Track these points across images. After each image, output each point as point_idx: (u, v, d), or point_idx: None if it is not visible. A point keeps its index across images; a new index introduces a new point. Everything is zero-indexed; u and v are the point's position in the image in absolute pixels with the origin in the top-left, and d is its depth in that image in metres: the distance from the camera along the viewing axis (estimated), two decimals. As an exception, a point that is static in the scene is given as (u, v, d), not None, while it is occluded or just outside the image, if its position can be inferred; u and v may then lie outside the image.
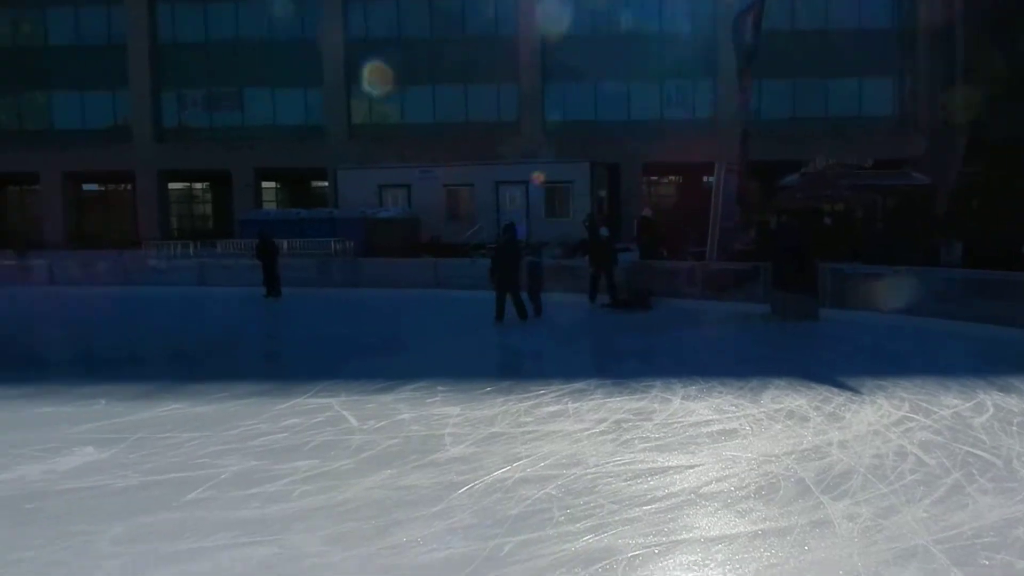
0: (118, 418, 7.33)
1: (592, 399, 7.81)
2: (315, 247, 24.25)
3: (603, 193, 30.41)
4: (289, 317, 16.96)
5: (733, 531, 4.56)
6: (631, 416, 7.14)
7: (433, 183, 28.99)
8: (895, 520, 4.66)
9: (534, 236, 25.99)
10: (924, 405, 7.38)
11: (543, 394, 8.01)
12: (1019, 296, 12.10)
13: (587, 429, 6.74)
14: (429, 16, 35.18)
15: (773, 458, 5.87)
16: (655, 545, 4.36)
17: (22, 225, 38.90)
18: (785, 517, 4.73)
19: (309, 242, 24.41)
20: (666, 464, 5.77)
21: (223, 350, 12.48)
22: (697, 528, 4.61)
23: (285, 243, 22.39)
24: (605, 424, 6.88)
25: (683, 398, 7.79)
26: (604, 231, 16.74)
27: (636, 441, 6.37)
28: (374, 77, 33.36)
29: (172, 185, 38.57)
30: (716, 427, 6.77)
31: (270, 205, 38.44)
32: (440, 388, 8.36)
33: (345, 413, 7.38)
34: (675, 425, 6.84)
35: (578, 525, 4.62)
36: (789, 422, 6.89)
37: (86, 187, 39.37)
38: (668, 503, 4.98)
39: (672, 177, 39.35)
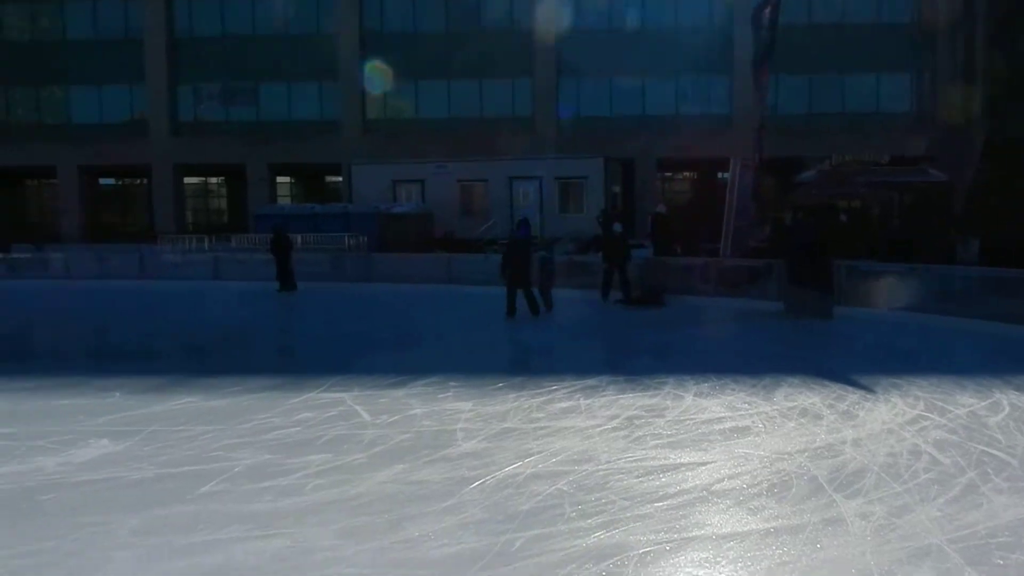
0: (133, 411, 7.40)
1: (604, 395, 7.80)
2: (329, 242, 24.30)
3: (617, 189, 30.33)
4: (302, 312, 17.03)
5: (745, 528, 4.55)
6: (643, 413, 7.13)
7: (447, 178, 28.99)
8: (909, 519, 4.64)
9: (547, 232, 25.99)
10: (939, 404, 7.33)
11: (555, 390, 8.01)
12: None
13: (599, 425, 6.74)
14: (444, 10, 35.17)
15: (786, 456, 5.85)
16: (666, 542, 4.36)
17: (40, 218, 39.25)
18: (797, 515, 4.71)
19: (323, 237, 24.46)
20: (678, 461, 5.76)
21: (237, 344, 12.56)
22: (709, 525, 4.60)
23: (299, 238, 22.46)
24: (617, 420, 6.88)
25: (696, 395, 7.77)
26: (618, 227, 16.71)
27: (648, 438, 6.36)
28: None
29: (188, 179, 38.78)
30: (728, 424, 6.75)
31: (285, 200, 38.56)
32: (452, 383, 8.37)
33: (358, 408, 7.41)
34: (687, 422, 6.83)
35: (589, 521, 4.62)
36: (802, 420, 6.86)
37: (103, 181, 39.65)
38: (680, 500, 4.98)
39: (687, 173, 39.19)
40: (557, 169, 28.66)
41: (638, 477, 5.40)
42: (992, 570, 4.03)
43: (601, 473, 5.48)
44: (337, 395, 7.92)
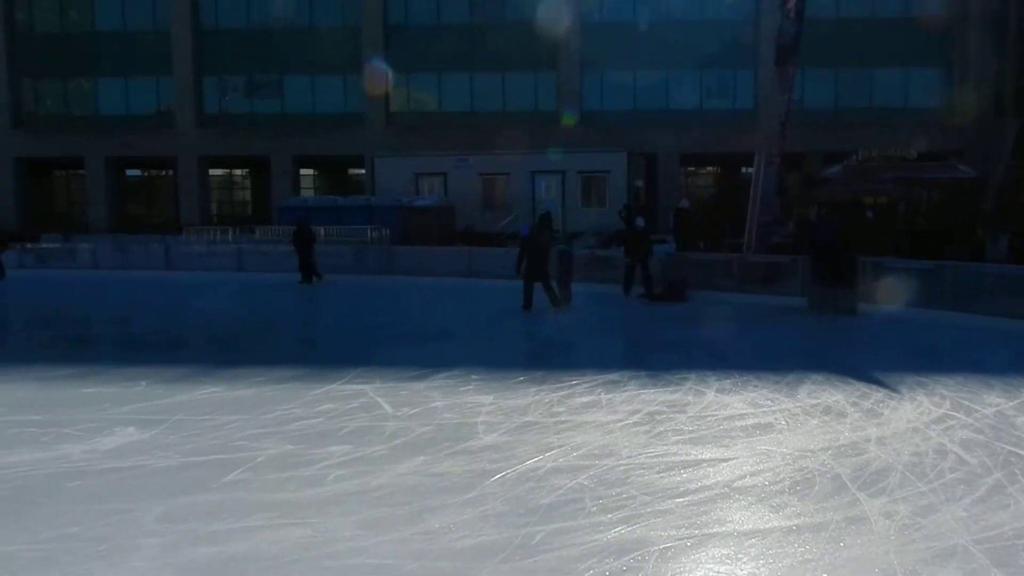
0: (159, 400, 7.49)
1: (625, 390, 7.78)
2: (352, 234, 24.42)
3: (640, 183, 30.19)
4: (325, 304, 17.14)
5: (767, 526, 4.53)
6: (665, 408, 7.11)
7: (469, 172, 28.99)
8: (934, 519, 4.59)
9: (569, 226, 25.93)
10: (966, 403, 7.23)
11: (576, 384, 8.00)
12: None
13: (620, 420, 6.73)
14: (468, 3, 35.13)
15: (809, 453, 5.80)
16: (687, 538, 4.34)
17: (68, 209, 39.77)
18: (820, 513, 4.68)
19: (346, 229, 24.58)
20: (699, 457, 5.73)
21: (260, 335, 12.67)
22: (730, 522, 4.58)
23: (322, 230, 22.58)
24: (638, 416, 6.86)
25: (717, 391, 7.73)
26: (640, 222, 16.63)
27: (669, 433, 6.34)
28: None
29: (212, 171, 39.09)
30: (751, 421, 6.71)
31: (308, 192, 38.78)
32: (473, 377, 8.39)
33: (379, 400, 7.45)
34: (709, 418, 6.79)
35: (610, 516, 4.61)
36: (826, 418, 6.81)
37: (129, 172, 40.08)
38: (701, 496, 4.96)
39: (710, 168, 38.92)
40: (580, 163, 28.57)
41: (659, 473, 5.38)
42: (1019, 571, 3.97)
43: (622, 468, 5.47)
44: (359, 387, 7.97)
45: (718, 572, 4.00)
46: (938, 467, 5.47)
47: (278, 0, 35.18)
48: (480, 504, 4.82)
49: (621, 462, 5.60)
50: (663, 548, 4.20)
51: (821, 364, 9.09)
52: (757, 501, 4.89)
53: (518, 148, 29.11)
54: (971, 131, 30.02)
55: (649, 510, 4.71)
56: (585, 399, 7.48)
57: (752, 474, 5.38)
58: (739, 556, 4.14)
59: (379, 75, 33.11)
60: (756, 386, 7.94)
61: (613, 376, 8.35)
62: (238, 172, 41.36)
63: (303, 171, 38.68)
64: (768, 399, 7.45)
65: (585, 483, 5.16)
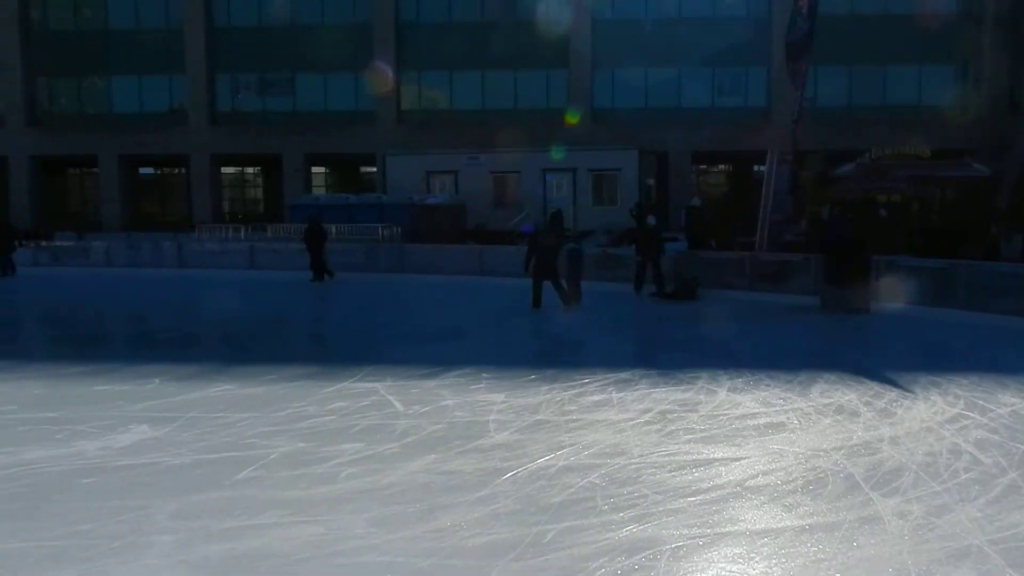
0: (172, 397, 7.53)
1: (637, 389, 7.77)
2: (363, 232, 24.49)
3: (651, 181, 30.10)
4: (336, 302, 17.18)
5: (779, 525, 4.51)
6: (676, 407, 7.09)
7: (480, 170, 29.00)
8: (948, 519, 4.56)
9: (580, 224, 25.89)
10: (980, 402, 7.18)
11: (587, 383, 7.99)
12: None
13: (631, 419, 6.72)
14: (479, 1, 35.13)
15: (821, 453, 5.78)
16: (699, 537, 4.33)
17: (81, 207, 40.02)
18: (833, 512, 4.66)
19: (357, 227, 24.65)
20: (711, 456, 5.72)
21: (272, 333, 12.72)
22: (742, 521, 4.57)
23: (333, 228, 22.64)
24: (650, 414, 6.85)
25: (729, 390, 7.71)
26: (651, 220, 16.59)
27: (681, 432, 6.32)
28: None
29: (224, 169, 39.26)
30: (763, 420, 6.69)
31: (320, 190, 38.88)
32: (484, 375, 8.39)
33: (390, 398, 7.46)
34: (721, 417, 6.77)
35: (622, 515, 4.60)
36: (839, 417, 6.77)
37: (142, 171, 40.29)
38: (713, 495, 4.94)
39: (722, 166, 38.79)
40: (591, 161, 28.52)
41: (671, 471, 5.37)
42: (1034, 573, 3.94)
43: (633, 467, 5.46)
44: (370, 385, 7.98)
45: (730, 571, 3.98)
46: (952, 467, 5.44)
47: (290, -2, 35.30)
48: (491, 502, 4.82)
49: (632, 461, 5.59)
50: (675, 547, 4.19)
51: (834, 363, 9.05)
52: (769, 500, 4.87)
53: (529, 146, 29.11)
54: (985, 129, 29.80)
55: (661, 509, 4.70)
56: (596, 398, 7.47)
57: (764, 473, 5.36)
58: (751, 555, 4.13)
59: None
60: (768, 385, 7.91)
61: (624, 375, 8.34)
62: (250, 170, 41.50)
63: (315, 169, 38.78)
64: (780, 398, 7.42)
65: (596, 482, 5.16)
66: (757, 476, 5.30)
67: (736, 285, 16.08)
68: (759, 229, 17.19)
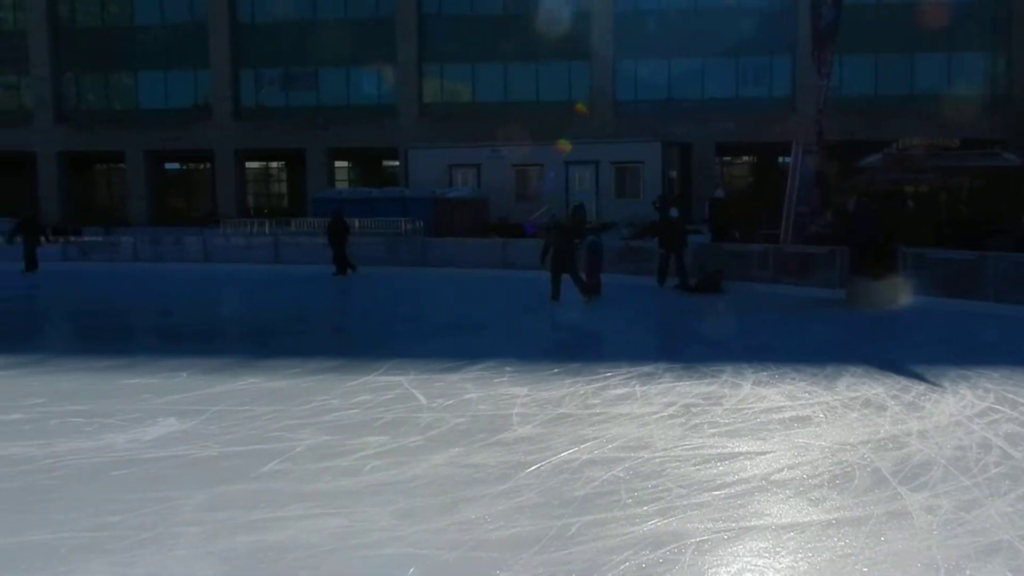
0: (198, 391, 7.61)
1: (660, 382, 7.74)
2: (386, 226, 24.56)
3: (674, 174, 29.92)
4: (359, 296, 17.27)
5: (805, 519, 4.47)
6: (700, 400, 7.05)
7: (502, 163, 28.98)
8: (977, 514, 4.50)
9: (603, 217, 25.81)
10: (1011, 396, 7.07)
11: (611, 376, 7.97)
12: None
13: (655, 413, 6.69)
14: (502, -8, 35.11)
15: (848, 447, 5.72)
16: (724, 531, 4.31)
17: (109, 203, 40.53)
18: (860, 507, 4.61)
19: (380, 221, 24.73)
20: (736, 450, 5.68)
21: (296, 327, 12.81)
22: (768, 515, 4.54)
23: (356, 222, 22.74)
24: (673, 408, 6.82)
25: (754, 384, 7.65)
26: (675, 212, 16.50)
27: (705, 426, 6.29)
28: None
29: (249, 164, 39.57)
30: (788, 414, 6.63)
31: (342, 184, 39.09)
32: (508, 368, 8.40)
33: (414, 391, 7.49)
34: (746, 411, 6.73)
35: (646, 508, 4.59)
36: (865, 411, 6.70)
37: (168, 166, 40.71)
38: (738, 489, 4.91)
39: (746, 157, 38.47)
40: (613, 154, 28.40)
41: (695, 465, 5.34)
42: (1066, 569, 3.88)
43: (657, 460, 5.44)
44: (394, 378, 8.02)
45: (756, 565, 3.96)
46: (982, 461, 5.36)
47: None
48: (515, 495, 4.82)
49: (656, 454, 5.57)
50: (700, 541, 4.17)
51: (860, 356, 8.95)
52: (795, 494, 4.84)
53: (552, 138, 29.02)
54: (1015, 117, 29.28)
55: (685, 503, 4.68)
56: (620, 391, 7.45)
57: (790, 467, 5.32)
58: (777, 549, 4.10)
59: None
60: (793, 379, 7.85)
61: (648, 368, 8.31)
62: (274, 165, 41.81)
63: (338, 163, 38.98)
64: (806, 392, 7.36)
65: (620, 475, 5.15)
66: (783, 470, 5.26)
67: (760, 278, 15.95)
68: (784, 221, 17.01)
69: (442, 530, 4.35)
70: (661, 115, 32.91)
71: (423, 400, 7.17)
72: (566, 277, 13.85)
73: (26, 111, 38.02)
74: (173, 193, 41.15)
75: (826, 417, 6.54)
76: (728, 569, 3.94)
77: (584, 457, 5.52)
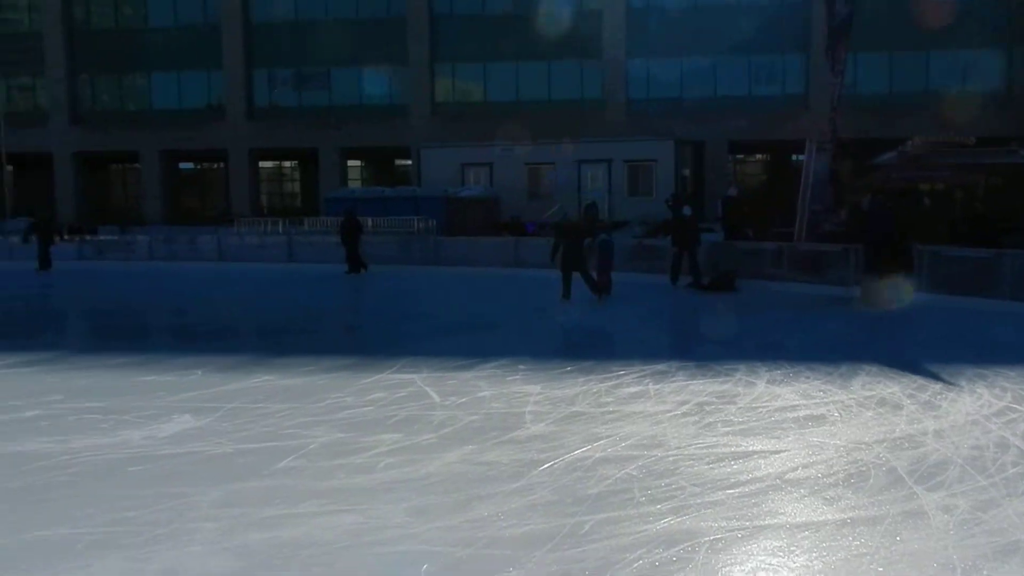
0: (213, 388, 7.64)
1: (674, 381, 7.72)
2: (398, 225, 24.63)
3: (687, 172, 29.86)
4: (372, 294, 17.32)
5: (820, 518, 4.45)
6: (714, 399, 7.02)
7: (514, 161, 28.98)
8: (995, 514, 4.46)
9: (616, 215, 25.77)
10: (1028, 395, 7.01)
11: (624, 375, 7.95)
12: None
13: (669, 411, 6.67)
14: (514, -8, 35.13)
15: (863, 446, 5.69)
16: (738, 529, 4.29)
17: (124, 202, 40.83)
18: (875, 506, 4.58)
19: (392, 220, 24.80)
20: (750, 448, 5.66)
21: (310, 325, 12.85)
22: (782, 514, 4.51)
23: (369, 221, 22.82)
24: (687, 406, 6.80)
25: (768, 382, 7.62)
26: (687, 210, 16.45)
27: (719, 424, 6.27)
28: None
29: (262, 163, 39.76)
30: (803, 412, 6.60)
31: (355, 183, 39.23)
32: (521, 366, 8.39)
33: (427, 389, 7.50)
34: (760, 409, 6.70)
35: (659, 506, 4.58)
36: (881, 409, 6.66)
37: (182, 165, 40.97)
38: (752, 488, 4.89)
39: (760, 155, 38.33)
40: (626, 152, 28.35)
41: (709, 464, 5.32)
42: (1085, 569, 3.84)
43: (671, 459, 5.43)
44: (407, 376, 8.03)
45: (770, 564, 3.94)
46: (999, 461, 5.32)
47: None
48: (528, 493, 4.82)
49: (670, 453, 5.56)
50: (713, 539, 4.16)
51: (875, 355, 8.90)
52: (810, 493, 4.81)
53: (563, 137, 29.01)
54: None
55: (699, 501, 4.66)
56: (633, 389, 7.43)
57: (804, 466, 5.29)
58: (791, 548, 4.08)
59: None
60: (808, 377, 7.81)
61: (661, 366, 8.29)
62: (287, 164, 42.00)
63: (350, 163, 39.13)
64: (820, 390, 7.32)
65: (634, 473, 5.13)
66: (797, 469, 5.24)
67: (774, 276, 15.88)
68: (798, 219, 16.94)
69: (455, 527, 4.36)
70: (673, 113, 32.83)
71: (436, 398, 7.18)
72: (577, 275, 13.84)
73: (42, 112, 38.35)
74: (187, 193, 41.41)
75: (841, 416, 6.50)
76: (742, 568, 3.92)
77: (597, 455, 5.51)
